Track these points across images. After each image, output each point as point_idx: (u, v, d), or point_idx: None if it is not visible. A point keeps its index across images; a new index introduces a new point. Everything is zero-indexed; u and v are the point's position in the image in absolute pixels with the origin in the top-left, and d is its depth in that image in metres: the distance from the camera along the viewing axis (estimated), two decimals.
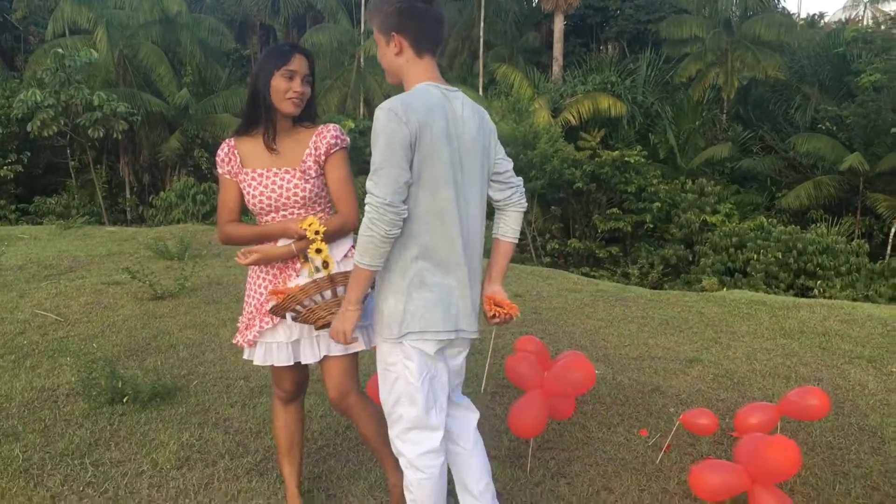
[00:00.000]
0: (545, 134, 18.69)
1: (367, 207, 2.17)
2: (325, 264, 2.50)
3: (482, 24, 25.95)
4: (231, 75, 27.53)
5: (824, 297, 14.97)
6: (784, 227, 16.80)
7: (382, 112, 2.17)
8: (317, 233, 2.51)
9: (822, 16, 38.71)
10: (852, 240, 17.36)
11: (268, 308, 2.58)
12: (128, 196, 23.24)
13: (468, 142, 2.32)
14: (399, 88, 2.38)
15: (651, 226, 19.18)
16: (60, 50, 18.89)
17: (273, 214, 2.61)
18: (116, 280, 6.35)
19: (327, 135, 2.66)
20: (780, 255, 15.71)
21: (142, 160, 23.30)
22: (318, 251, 2.49)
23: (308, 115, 2.68)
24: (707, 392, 4.17)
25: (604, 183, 19.06)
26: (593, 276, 15.45)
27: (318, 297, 2.45)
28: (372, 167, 2.17)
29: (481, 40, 25.93)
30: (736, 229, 17.22)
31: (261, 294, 2.65)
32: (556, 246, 19.12)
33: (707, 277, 15.08)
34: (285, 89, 2.55)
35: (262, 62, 2.59)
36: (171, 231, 8.79)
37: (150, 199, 20.99)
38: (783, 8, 32.89)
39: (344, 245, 2.69)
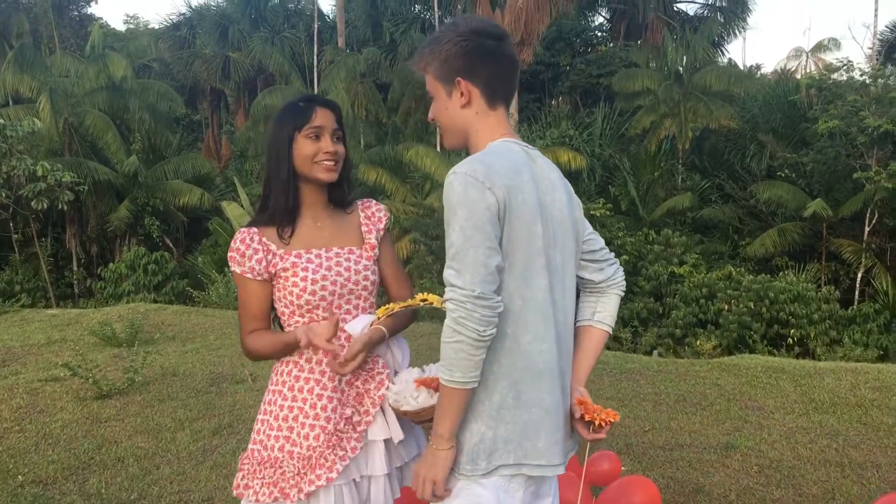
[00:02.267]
0: None
1: (449, 305, 1.62)
2: None
3: None
4: (182, 140, 26.84)
5: (802, 349, 14.69)
6: (753, 275, 16.62)
7: (457, 178, 1.64)
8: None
9: (759, 67, 39.67)
10: (820, 286, 17.21)
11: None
12: (75, 269, 22.18)
13: (560, 212, 1.79)
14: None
15: None
16: (1, 120, 18.07)
17: (337, 301, 2.05)
18: (55, 375, 5.57)
19: (378, 208, 2.21)
20: (751, 304, 15.46)
21: (89, 230, 22.32)
22: None
23: (345, 182, 2.14)
24: (757, 490, 3.58)
25: None
26: None
27: None
28: (449, 251, 1.64)
29: None
30: (705, 280, 17.00)
31: (337, 416, 1.99)
32: None
33: (705, 339, 14.65)
34: (313, 152, 2.01)
35: (277, 125, 2.05)
36: (119, 312, 8.01)
37: (99, 270, 20.04)
38: (730, 59, 33.64)
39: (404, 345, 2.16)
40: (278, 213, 2.03)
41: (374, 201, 2.23)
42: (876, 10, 20.99)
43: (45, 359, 6.25)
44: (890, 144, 17.89)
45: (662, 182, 23.73)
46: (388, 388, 1.99)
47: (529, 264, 1.69)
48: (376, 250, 2.14)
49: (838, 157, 18.93)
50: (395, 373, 2.07)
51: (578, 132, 23.98)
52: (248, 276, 2.01)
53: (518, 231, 1.67)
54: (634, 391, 5.16)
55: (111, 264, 19.34)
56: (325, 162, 2.01)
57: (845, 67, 19.84)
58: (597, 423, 1.79)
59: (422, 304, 2.00)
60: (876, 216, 18.35)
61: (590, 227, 1.96)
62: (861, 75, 19.87)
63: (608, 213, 19.05)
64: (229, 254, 2.05)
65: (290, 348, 2.01)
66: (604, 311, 1.95)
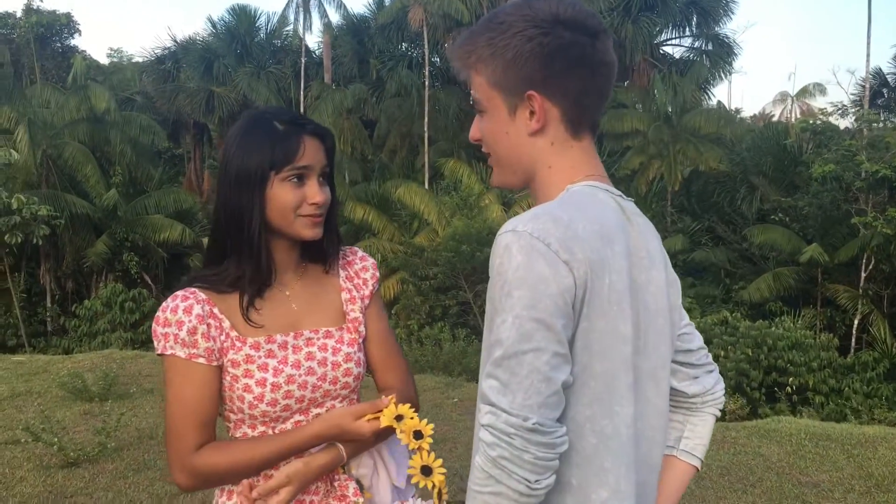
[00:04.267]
0: None
1: (485, 436, 1.06)
2: (440, 494, 1.32)
3: (426, 118, 25.53)
4: (164, 174, 26.28)
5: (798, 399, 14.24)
6: (750, 321, 16.25)
7: (518, 240, 1.08)
8: (417, 434, 1.34)
9: (738, 111, 39.98)
10: (816, 333, 16.86)
11: None
12: (48, 305, 21.38)
13: (655, 299, 1.22)
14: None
15: None
16: None
17: (299, 417, 1.46)
18: (17, 437, 4.92)
19: (365, 264, 1.61)
20: (749, 351, 15.05)
21: (65, 266, 21.57)
22: (427, 470, 1.32)
23: (329, 232, 1.55)
24: None
25: None
26: None
27: None
28: (493, 351, 1.08)
29: (426, 135, 25.47)
30: (700, 325, 16.55)
31: None
32: None
33: (732, 397, 14.15)
34: (295, 202, 1.43)
35: (244, 152, 1.43)
36: (91, 360, 7.36)
37: (74, 308, 19.30)
38: (719, 101, 33.76)
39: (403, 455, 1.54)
40: (247, 281, 1.46)
41: (360, 252, 1.65)
42: (868, 54, 20.97)
43: (6, 416, 5.59)
44: (886, 189, 17.71)
45: (654, 223, 23.49)
46: None
47: (611, 383, 1.13)
48: (362, 328, 1.57)
49: (834, 202, 18.72)
50: (398, 490, 1.51)
51: None
52: (202, 361, 1.40)
53: (599, 331, 1.11)
54: None
55: (86, 301, 18.64)
56: (311, 217, 1.45)
57: (840, 112, 19.69)
58: None
59: (397, 424, 1.36)
60: (872, 262, 18.07)
61: (686, 317, 1.39)
62: (855, 120, 19.78)
63: None
64: (162, 329, 1.40)
65: (281, 458, 1.41)
66: (694, 438, 1.40)
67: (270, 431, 1.45)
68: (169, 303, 1.42)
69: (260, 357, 1.43)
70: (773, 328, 15.49)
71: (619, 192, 1.24)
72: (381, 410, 1.38)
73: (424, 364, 10.37)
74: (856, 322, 18.33)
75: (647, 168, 24.73)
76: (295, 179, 1.43)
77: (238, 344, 1.44)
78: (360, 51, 32.07)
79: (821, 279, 19.25)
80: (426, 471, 1.32)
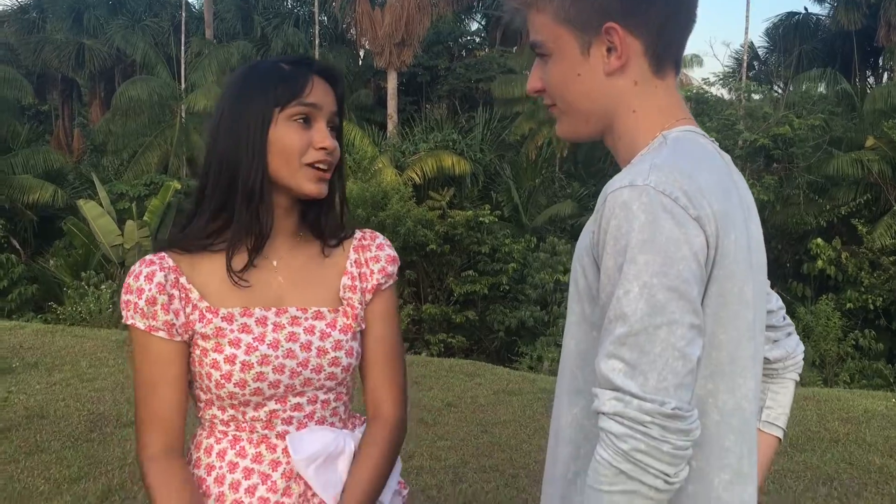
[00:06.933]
0: (395, 194, 17.65)
1: (613, 426, 0.91)
2: None
3: None
4: (30, 132, 24.46)
5: None
6: None
7: (636, 194, 0.94)
8: None
9: None
10: None
11: None
12: None
13: (758, 254, 1.10)
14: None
15: (507, 287, 18.55)
16: None
17: (274, 406, 1.29)
18: None
19: (379, 254, 1.40)
20: None
21: None
22: None
23: (334, 201, 1.36)
24: None
25: (457, 244, 18.26)
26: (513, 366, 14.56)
27: None
28: (615, 326, 0.93)
29: None
30: None
31: None
32: (411, 312, 18.02)
33: None
34: (301, 145, 1.25)
35: (242, 92, 1.26)
36: None
37: None
38: None
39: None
40: (242, 234, 1.26)
41: (379, 238, 1.43)
42: (746, 27, 21.80)
43: None
44: (762, 157, 18.60)
45: (543, 189, 23.85)
46: None
47: (735, 353, 1.01)
48: (360, 320, 1.36)
49: None
50: None
51: (461, 136, 23.68)
52: (161, 335, 1.23)
53: (727, 295, 0.98)
54: None
55: None
56: (317, 165, 1.26)
57: (721, 82, 20.50)
58: None
59: None
60: None
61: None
62: (733, 90, 20.66)
63: (495, 219, 18.75)
64: (124, 297, 1.25)
65: None
66: (776, 407, 1.31)
67: (241, 417, 1.28)
68: (134, 268, 1.25)
69: (232, 331, 1.26)
70: None
71: (711, 138, 1.10)
72: None
73: None
74: None
75: (537, 134, 25.00)
76: (301, 120, 1.26)
77: (209, 315, 1.26)
78: (244, 6, 30.83)
79: None
80: None
